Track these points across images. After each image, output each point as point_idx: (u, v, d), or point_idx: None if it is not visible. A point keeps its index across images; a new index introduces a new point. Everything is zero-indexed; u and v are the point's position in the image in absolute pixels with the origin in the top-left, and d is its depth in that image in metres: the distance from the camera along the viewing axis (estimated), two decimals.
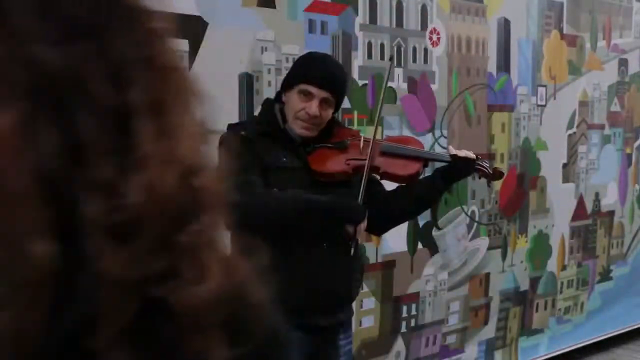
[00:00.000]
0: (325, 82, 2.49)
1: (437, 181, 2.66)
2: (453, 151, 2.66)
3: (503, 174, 2.71)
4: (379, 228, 2.83)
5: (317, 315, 2.51)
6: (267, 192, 2.39)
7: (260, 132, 2.49)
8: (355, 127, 3.69)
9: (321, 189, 2.48)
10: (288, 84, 2.54)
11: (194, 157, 0.57)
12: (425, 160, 2.66)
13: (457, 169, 2.65)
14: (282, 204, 2.37)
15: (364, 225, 2.41)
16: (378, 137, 2.60)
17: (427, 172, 2.87)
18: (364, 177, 2.48)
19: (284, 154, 2.48)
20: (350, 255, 2.57)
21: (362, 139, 2.61)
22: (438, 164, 2.81)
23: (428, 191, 2.68)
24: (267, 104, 2.64)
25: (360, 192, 2.45)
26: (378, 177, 2.64)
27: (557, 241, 5.14)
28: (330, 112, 2.56)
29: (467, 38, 4.37)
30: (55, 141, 0.49)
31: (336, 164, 2.53)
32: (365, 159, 2.51)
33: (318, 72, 2.49)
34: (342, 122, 2.81)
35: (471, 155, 2.64)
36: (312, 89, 2.48)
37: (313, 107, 2.47)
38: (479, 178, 2.75)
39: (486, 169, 2.67)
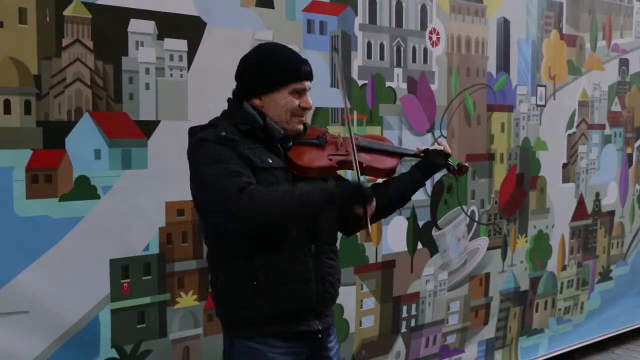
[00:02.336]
0: (310, 73, 2.52)
1: (416, 174, 2.73)
2: (422, 149, 2.77)
3: (467, 167, 2.77)
4: (350, 227, 2.74)
5: (310, 319, 2.49)
6: (276, 189, 2.34)
7: (243, 132, 2.43)
8: (355, 127, 3.70)
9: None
10: (271, 87, 2.46)
11: None
12: (400, 156, 2.73)
13: (430, 165, 2.73)
14: (299, 197, 2.31)
15: (373, 204, 2.39)
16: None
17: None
18: (356, 169, 2.44)
19: (266, 154, 2.44)
20: (332, 256, 2.57)
21: (340, 135, 2.65)
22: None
23: (410, 186, 2.74)
24: (237, 103, 2.52)
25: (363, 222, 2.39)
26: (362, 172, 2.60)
27: (557, 241, 5.14)
28: None
29: (466, 38, 4.37)
30: None
31: (320, 159, 2.53)
32: (345, 154, 2.53)
33: (304, 67, 2.49)
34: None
35: (444, 145, 2.75)
36: (306, 84, 2.50)
37: (309, 100, 2.50)
38: (449, 172, 2.79)
39: (451, 165, 2.74)
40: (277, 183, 2.40)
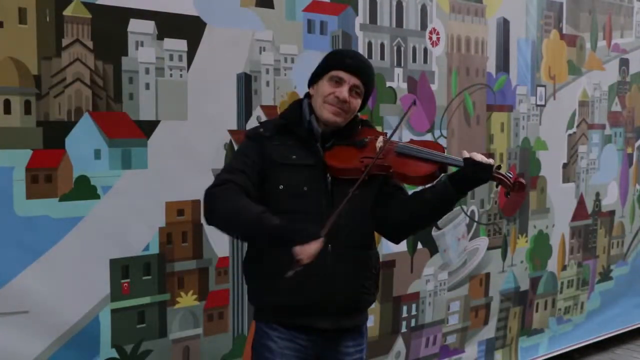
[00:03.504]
0: (356, 68, 2.56)
1: (448, 187, 2.50)
2: (466, 154, 2.50)
3: (524, 185, 2.49)
4: (391, 234, 2.77)
5: (315, 317, 2.51)
6: (231, 195, 2.39)
7: (279, 127, 2.55)
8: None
9: (334, 186, 2.50)
10: (317, 75, 2.60)
11: None
12: (440, 164, 2.51)
13: (468, 174, 2.47)
14: (235, 212, 2.37)
15: (309, 247, 2.24)
16: (404, 140, 2.66)
17: None
18: (365, 170, 2.45)
19: (296, 151, 2.50)
20: (358, 259, 2.57)
21: (380, 137, 2.60)
22: None
23: (438, 198, 2.54)
24: (296, 101, 2.69)
25: (356, 184, 2.38)
26: (389, 177, 2.57)
27: (557, 241, 5.13)
28: (358, 101, 2.59)
29: (466, 38, 4.37)
30: None
31: (351, 161, 2.52)
32: (380, 158, 2.50)
33: (349, 59, 2.57)
34: (372, 124, 2.84)
35: (487, 160, 2.47)
36: (344, 75, 2.54)
37: (344, 91, 2.53)
38: (497, 187, 2.57)
39: (507, 179, 2.48)
40: (301, 179, 2.48)
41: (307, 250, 2.23)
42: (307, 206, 2.46)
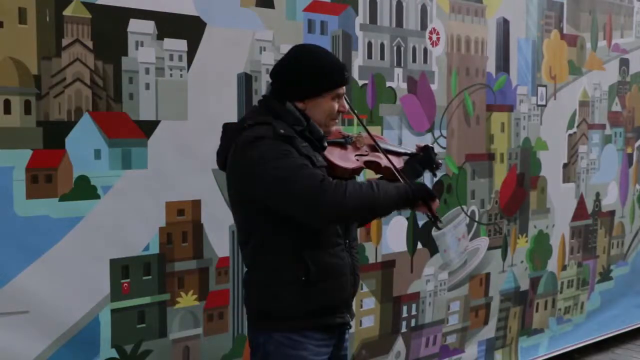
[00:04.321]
0: (349, 77, 2.62)
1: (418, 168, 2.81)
2: (420, 146, 2.86)
3: (440, 164, 2.88)
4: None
5: (343, 312, 2.58)
6: (360, 183, 2.42)
7: (297, 132, 2.48)
8: (355, 127, 3.70)
9: None
10: (316, 92, 2.50)
11: None
12: (402, 155, 2.79)
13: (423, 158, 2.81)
14: (382, 191, 2.41)
15: (437, 202, 2.56)
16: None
17: None
18: (394, 169, 2.59)
19: (316, 153, 2.51)
20: (356, 251, 2.68)
21: (361, 134, 2.73)
22: None
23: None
24: (284, 105, 2.51)
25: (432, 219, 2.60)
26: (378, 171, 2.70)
27: (557, 241, 5.13)
28: None
29: (466, 38, 4.37)
30: None
31: (351, 160, 2.62)
32: (365, 154, 2.65)
33: (343, 72, 2.57)
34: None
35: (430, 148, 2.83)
36: (344, 89, 2.58)
37: (345, 104, 2.58)
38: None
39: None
40: None
41: (437, 204, 2.56)
42: None
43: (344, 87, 2.59)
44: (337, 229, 2.54)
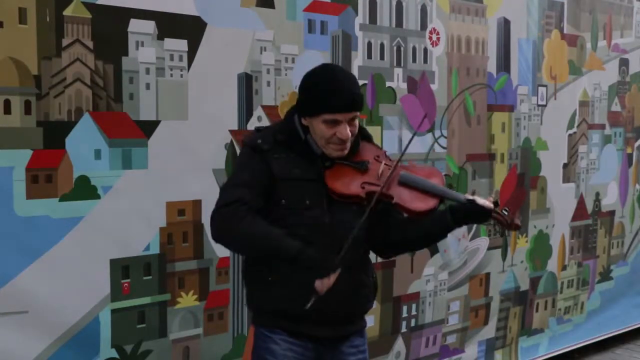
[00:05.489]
0: (349, 105, 2.45)
1: (448, 219, 2.56)
2: (470, 197, 2.55)
3: (519, 227, 2.56)
4: (383, 251, 2.78)
5: (316, 325, 2.51)
6: (243, 219, 2.39)
7: (278, 142, 2.48)
8: None
9: (334, 204, 2.48)
10: (309, 112, 2.49)
11: None
12: (441, 198, 2.55)
13: (470, 214, 2.54)
14: (251, 238, 2.41)
15: (328, 281, 2.34)
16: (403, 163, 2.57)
17: None
18: (371, 204, 2.44)
19: (297, 164, 2.47)
20: (358, 269, 2.58)
21: (382, 163, 2.56)
22: None
23: (436, 226, 2.60)
24: (289, 115, 2.59)
25: (363, 217, 2.41)
26: (390, 205, 2.55)
27: (557, 241, 5.13)
28: (357, 123, 2.52)
29: (466, 38, 4.37)
30: None
31: (351, 186, 2.49)
32: (379, 185, 2.46)
33: (340, 99, 2.44)
34: (371, 137, 2.76)
35: (489, 205, 2.51)
36: (338, 117, 2.45)
37: (344, 132, 2.45)
38: (494, 226, 2.62)
39: (504, 219, 2.52)
40: (303, 194, 2.46)
41: (327, 284, 2.35)
42: (309, 220, 2.46)
43: (338, 115, 2.43)
44: (317, 240, 2.42)
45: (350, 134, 2.47)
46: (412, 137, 2.74)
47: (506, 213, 2.53)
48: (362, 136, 2.65)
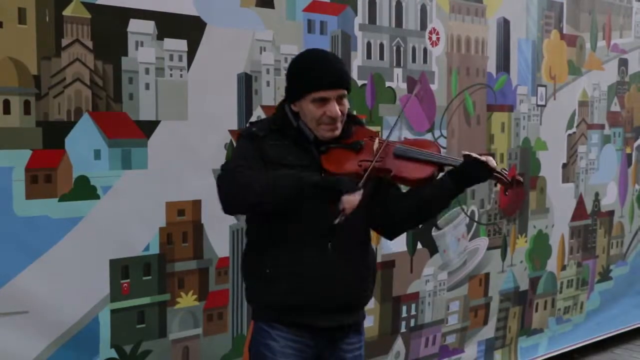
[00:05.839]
0: (336, 81, 2.46)
1: (447, 183, 2.52)
2: (466, 152, 2.54)
3: (522, 182, 2.54)
4: (387, 230, 2.78)
5: (315, 316, 2.50)
6: (254, 171, 2.39)
7: (272, 130, 2.50)
8: None
9: None
10: (297, 95, 2.50)
11: None
12: (439, 165, 2.53)
13: (467, 171, 2.49)
14: (274, 179, 2.36)
15: (355, 199, 2.30)
16: (396, 139, 2.54)
17: None
18: (365, 176, 2.41)
19: (291, 151, 2.48)
20: (357, 258, 2.57)
21: (376, 139, 2.55)
22: None
23: (436, 193, 2.56)
24: (281, 103, 2.62)
25: (362, 181, 2.36)
26: (388, 180, 2.55)
27: (556, 241, 5.13)
28: (347, 102, 2.53)
29: (466, 38, 4.37)
30: None
31: (348, 164, 2.49)
32: (379, 161, 2.46)
33: (326, 76, 2.45)
34: (362, 121, 2.76)
35: (487, 158, 2.49)
36: (327, 94, 2.45)
37: (334, 109, 2.45)
38: (495, 185, 2.58)
39: (504, 177, 2.50)
40: None
41: (353, 201, 2.29)
42: (307, 205, 2.42)
43: (327, 92, 2.44)
44: (316, 228, 2.43)
45: (340, 112, 2.47)
46: (408, 101, 2.69)
47: (506, 171, 2.52)
48: (354, 122, 2.64)
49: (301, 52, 2.65)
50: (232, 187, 2.39)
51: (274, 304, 2.52)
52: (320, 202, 2.35)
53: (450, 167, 2.55)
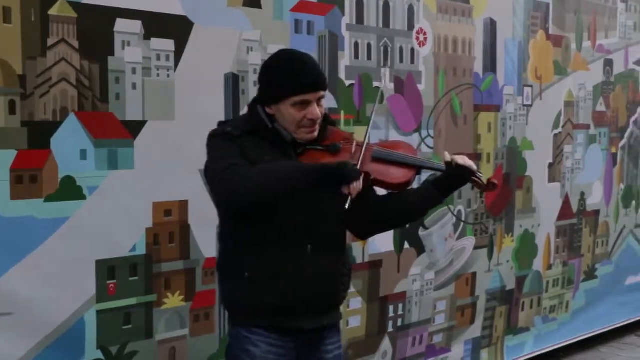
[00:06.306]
0: (316, 84, 2.44)
1: (432, 192, 2.56)
2: (448, 158, 2.54)
3: (497, 185, 2.58)
4: (363, 231, 2.79)
5: (298, 317, 2.49)
6: (256, 167, 2.35)
7: (247, 131, 2.46)
8: (342, 127, 3.70)
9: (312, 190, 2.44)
10: (275, 99, 2.45)
11: None
12: (418, 168, 2.55)
13: (452, 179, 2.54)
14: (274, 171, 2.33)
15: (358, 184, 2.29)
16: (373, 142, 2.50)
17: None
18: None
19: (270, 153, 2.45)
20: (335, 258, 2.56)
21: (354, 143, 2.53)
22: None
23: (421, 200, 2.60)
24: (253, 105, 2.58)
25: (348, 200, 2.34)
26: (369, 182, 2.52)
27: (543, 240, 5.16)
28: (324, 104, 2.51)
29: (453, 38, 4.38)
30: None
31: None
32: (355, 164, 2.39)
33: (306, 79, 2.42)
34: (335, 122, 2.74)
35: (468, 163, 2.52)
36: (307, 97, 2.42)
37: (315, 111, 2.43)
38: (472, 189, 2.62)
39: (480, 180, 2.54)
40: None
41: (357, 186, 2.28)
42: (284, 205, 2.41)
43: (307, 95, 2.40)
44: (293, 229, 2.43)
45: (320, 114, 2.45)
46: (373, 111, 2.68)
47: (481, 174, 2.56)
48: (329, 122, 2.61)
49: (275, 54, 2.57)
50: (236, 184, 2.30)
51: (254, 307, 2.47)
52: (320, 190, 2.35)
53: (428, 170, 2.61)
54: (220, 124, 2.58)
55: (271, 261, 2.44)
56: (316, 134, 2.50)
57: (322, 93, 2.47)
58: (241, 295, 2.49)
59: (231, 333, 2.58)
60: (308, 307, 2.50)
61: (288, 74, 2.43)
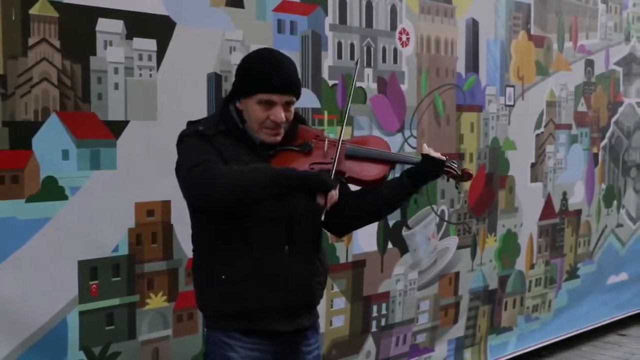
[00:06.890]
0: (286, 87, 2.41)
1: (405, 183, 2.53)
2: (426, 150, 2.54)
3: (471, 175, 2.60)
4: (340, 228, 2.76)
5: (276, 320, 2.47)
6: (231, 167, 2.31)
7: (220, 130, 2.43)
8: (325, 127, 3.70)
9: None
10: (244, 92, 2.44)
11: None
12: (392, 163, 2.55)
13: (425, 171, 2.53)
14: (250, 174, 2.28)
15: (335, 194, 2.28)
16: (344, 138, 2.45)
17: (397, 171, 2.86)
18: (331, 176, 2.34)
19: (243, 152, 2.43)
20: (313, 257, 2.54)
21: (326, 140, 2.51)
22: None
23: (395, 194, 2.57)
24: (224, 103, 2.55)
25: (322, 212, 2.31)
26: (343, 181, 2.51)
27: (525, 240, 5.19)
28: (293, 110, 2.49)
29: (436, 38, 4.40)
30: None
31: (300, 168, 2.40)
32: (329, 163, 2.38)
33: (276, 79, 2.39)
34: (305, 120, 2.73)
35: (441, 156, 2.53)
36: (274, 97, 2.40)
37: (279, 114, 2.40)
38: (447, 180, 2.64)
39: (455, 170, 2.55)
40: None
41: (333, 196, 2.27)
42: (259, 207, 2.39)
43: (274, 96, 2.38)
44: (270, 231, 2.41)
45: (285, 118, 2.42)
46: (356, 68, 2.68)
47: (455, 164, 2.56)
48: (299, 121, 2.59)
49: (258, 50, 2.57)
50: (214, 182, 2.26)
51: (232, 310, 2.43)
52: (292, 196, 2.33)
53: (404, 165, 2.58)
54: (190, 123, 2.53)
55: (247, 262, 2.41)
56: (279, 138, 2.46)
57: (290, 98, 2.43)
58: (218, 298, 2.44)
59: (209, 338, 2.53)
60: (287, 309, 2.48)
61: (260, 70, 2.41)
